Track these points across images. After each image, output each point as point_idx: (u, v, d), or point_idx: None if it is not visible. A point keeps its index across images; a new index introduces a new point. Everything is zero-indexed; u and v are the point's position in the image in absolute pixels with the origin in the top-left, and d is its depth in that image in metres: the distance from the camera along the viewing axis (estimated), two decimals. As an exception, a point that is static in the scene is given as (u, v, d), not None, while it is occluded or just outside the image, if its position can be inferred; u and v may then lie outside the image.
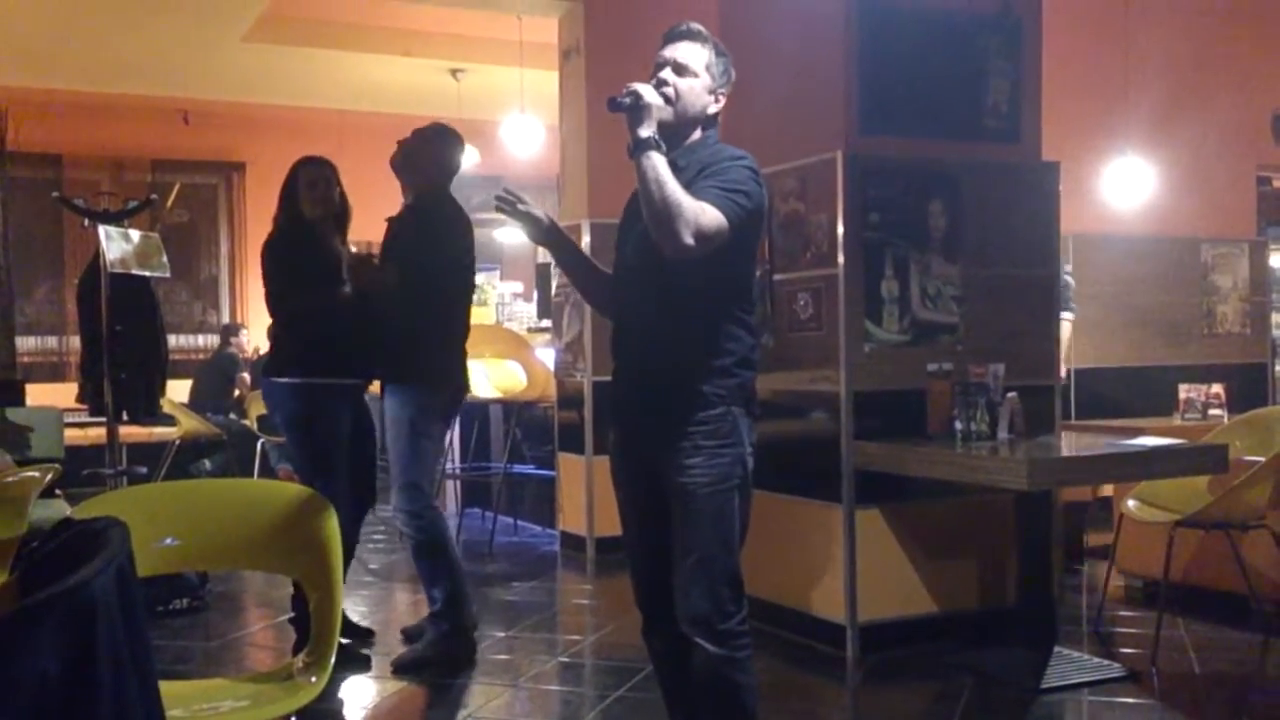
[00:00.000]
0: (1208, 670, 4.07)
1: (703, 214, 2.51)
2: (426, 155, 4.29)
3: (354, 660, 4.23)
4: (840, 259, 4.20)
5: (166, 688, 1.84)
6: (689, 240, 2.49)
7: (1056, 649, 4.02)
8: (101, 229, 5.10)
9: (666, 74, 2.70)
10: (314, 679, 2.36)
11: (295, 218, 4.36)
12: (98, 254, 5.14)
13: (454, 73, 8.98)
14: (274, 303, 4.34)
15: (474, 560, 6.20)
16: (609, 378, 6.89)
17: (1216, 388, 5.54)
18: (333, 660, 2.38)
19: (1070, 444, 4.22)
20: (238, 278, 10.50)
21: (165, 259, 5.45)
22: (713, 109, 2.75)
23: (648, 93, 2.61)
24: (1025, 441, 3.97)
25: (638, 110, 2.59)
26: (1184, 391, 5.59)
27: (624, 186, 7.34)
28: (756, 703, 2.71)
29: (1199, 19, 7.60)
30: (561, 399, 6.58)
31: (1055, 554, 4.23)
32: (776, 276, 4.54)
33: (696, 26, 2.79)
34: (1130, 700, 3.73)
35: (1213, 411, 5.43)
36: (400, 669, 4.15)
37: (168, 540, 2.64)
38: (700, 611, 2.62)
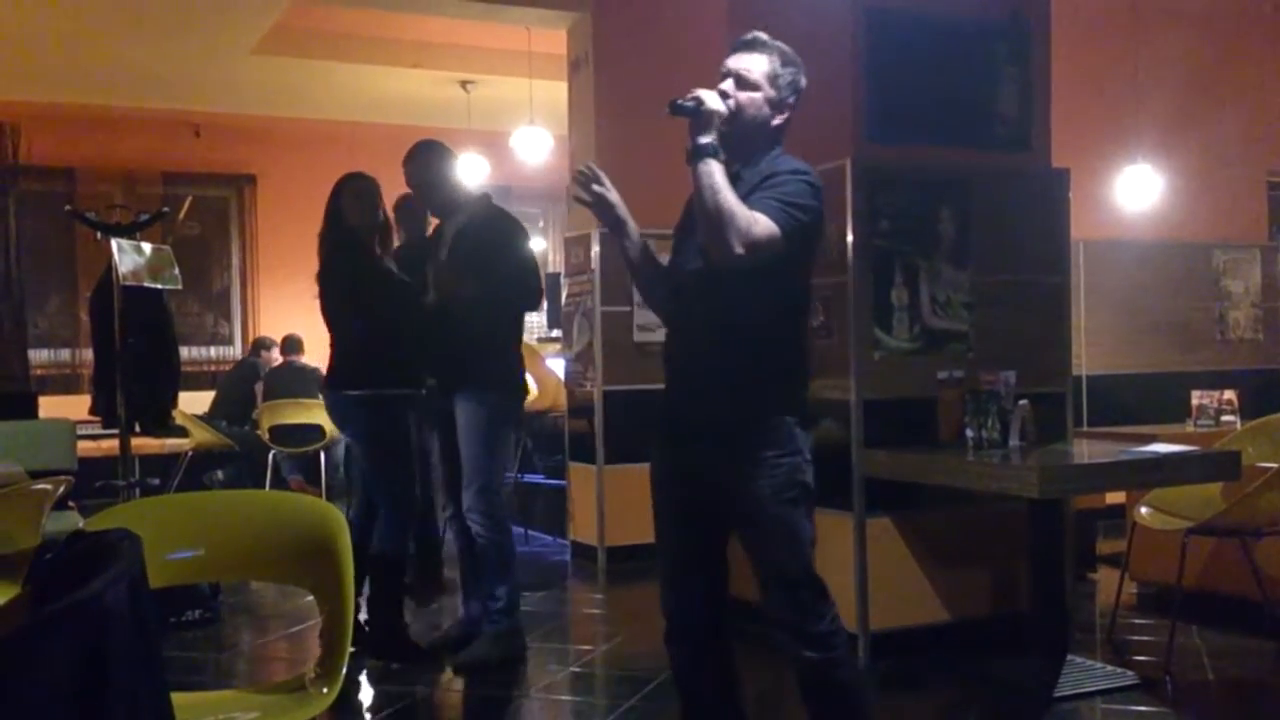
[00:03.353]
0: (1222, 678, 4.05)
1: (755, 224, 2.50)
2: (429, 181, 4.35)
3: (423, 658, 4.33)
4: (850, 267, 4.20)
5: (179, 699, 1.84)
6: (739, 249, 2.49)
7: (1069, 657, 4.01)
8: (114, 242, 5.12)
9: (728, 85, 2.68)
10: (325, 689, 2.36)
11: (342, 232, 4.38)
12: (110, 267, 5.16)
13: (463, 84, 9.00)
14: (350, 318, 4.35)
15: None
16: (619, 387, 6.89)
17: (1229, 394, 5.52)
18: (344, 671, 2.38)
19: (1082, 451, 4.20)
20: (249, 289, 10.54)
21: (177, 271, 5.47)
22: (776, 121, 2.73)
23: (710, 98, 2.60)
24: (1037, 449, 3.96)
25: (698, 115, 2.58)
26: (1196, 398, 5.57)
27: (633, 197, 7.32)
28: (868, 699, 2.73)
29: (1209, 25, 7.59)
30: (572, 409, 6.59)
31: (1068, 561, 4.22)
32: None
33: (762, 36, 2.75)
34: (1144, 708, 3.71)
35: (1225, 418, 5.41)
36: (461, 669, 4.23)
37: (180, 552, 2.64)
38: (791, 621, 2.65)
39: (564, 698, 4.05)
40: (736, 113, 2.65)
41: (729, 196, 2.51)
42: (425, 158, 4.36)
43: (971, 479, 3.81)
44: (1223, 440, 4.70)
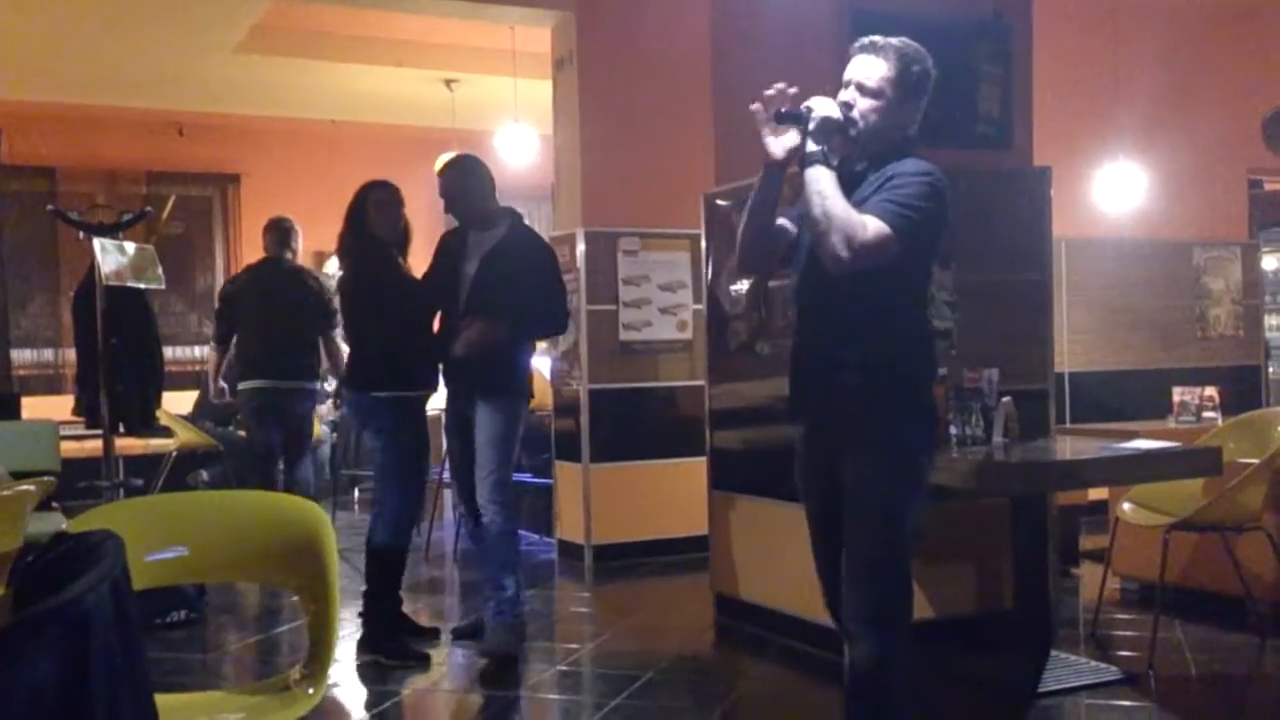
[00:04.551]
0: (1204, 672, 4.08)
1: (861, 229, 2.53)
2: (462, 193, 4.47)
3: (415, 659, 4.41)
4: (833, 265, 4.20)
5: (163, 700, 1.84)
6: (844, 253, 2.53)
7: (1053, 653, 4.03)
8: (96, 242, 5.11)
9: (850, 94, 2.70)
10: (311, 690, 2.36)
11: (367, 241, 4.51)
12: (93, 267, 5.14)
13: (448, 83, 8.98)
14: (375, 323, 4.48)
15: (472, 568, 6.20)
16: (605, 386, 6.90)
17: (1210, 390, 5.54)
18: (329, 671, 2.38)
19: (1065, 448, 4.22)
20: (233, 289, 10.49)
21: (160, 271, 5.46)
22: (904, 121, 2.73)
23: (822, 106, 2.63)
24: (1020, 445, 3.98)
25: (806, 123, 2.62)
26: (1178, 394, 5.60)
27: (616, 194, 7.34)
28: (911, 709, 2.76)
29: (1189, 24, 7.63)
30: (558, 408, 6.59)
31: (1051, 557, 4.24)
32: (770, 284, 4.55)
33: (879, 39, 2.75)
34: (1127, 703, 3.73)
35: (1206, 414, 5.44)
36: (482, 653, 4.35)
37: (165, 552, 2.63)
38: (869, 609, 2.70)
39: (551, 696, 4.06)
40: (860, 120, 2.67)
41: (835, 203, 2.54)
42: (461, 168, 4.52)
43: (955, 476, 3.82)
44: (1204, 436, 4.72)
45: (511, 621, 4.40)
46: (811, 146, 2.60)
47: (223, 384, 6.18)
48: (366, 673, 4.28)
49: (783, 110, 2.64)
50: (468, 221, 4.53)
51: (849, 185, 2.64)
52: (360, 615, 4.55)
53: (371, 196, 4.54)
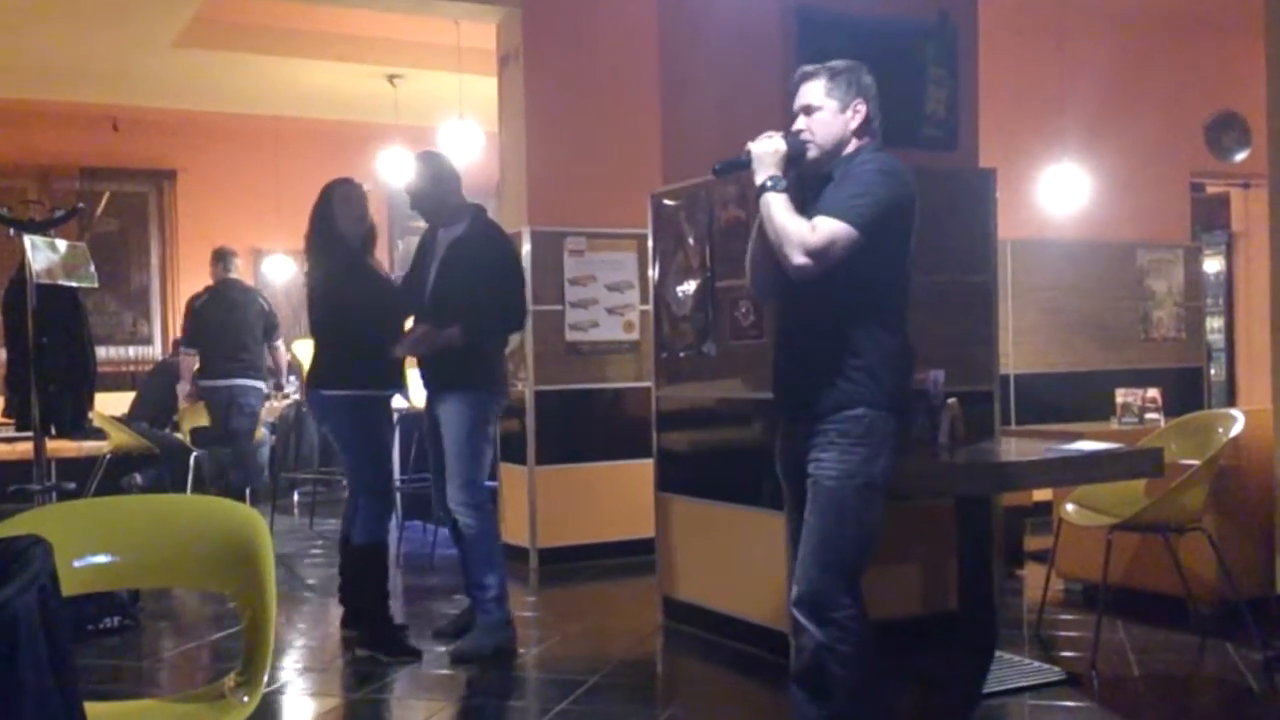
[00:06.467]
0: (1146, 672, 4.12)
1: (810, 231, 2.75)
2: (429, 189, 4.49)
3: (413, 654, 4.41)
4: (781, 266, 4.20)
5: (95, 709, 1.79)
6: (801, 260, 2.75)
7: (997, 653, 4.05)
8: (27, 239, 4.98)
9: (800, 121, 2.98)
10: (246, 698, 2.31)
11: (332, 239, 4.49)
12: (23, 264, 5.01)
13: (391, 78, 8.89)
14: (336, 321, 4.47)
15: (416, 573, 6.14)
16: (551, 387, 6.87)
17: (1153, 392, 5.62)
18: (265, 678, 2.32)
19: (1009, 449, 4.25)
20: (169, 287, 10.31)
21: (93, 269, 5.33)
22: (853, 124, 2.95)
23: (756, 146, 2.90)
24: (965, 447, 4.00)
25: (748, 166, 2.91)
26: (1121, 396, 5.66)
27: (563, 193, 7.31)
28: (859, 702, 2.81)
29: (1133, 29, 7.74)
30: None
31: (995, 559, 4.26)
32: (718, 284, 4.54)
33: (809, 67, 3.00)
34: (1070, 703, 3.76)
35: (1149, 415, 5.51)
36: (458, 658, 4.32)
37: (98, 557, 2.57)
38: (808, 594, 2.81)
39: (495, 701, 4.02)
40: (814, 137, 2.94)
41: (783, 220, 2.78)
42: (421, 164, 4.54)
43: (901, 477, 3.82)
44: (1146, 438, 4.78)
45: (497, 620, 4.40)
46: (758, 180, 2.85)
47: (189, 386, 7.53)
48: (342, 672, 4.20)
49: (716, 168, 3.01)
50: (431, 218, 4.57)
51: (823, 189, 2.88)
52: (351, 615, 4.55)
53: (335, 193, 4.53)
